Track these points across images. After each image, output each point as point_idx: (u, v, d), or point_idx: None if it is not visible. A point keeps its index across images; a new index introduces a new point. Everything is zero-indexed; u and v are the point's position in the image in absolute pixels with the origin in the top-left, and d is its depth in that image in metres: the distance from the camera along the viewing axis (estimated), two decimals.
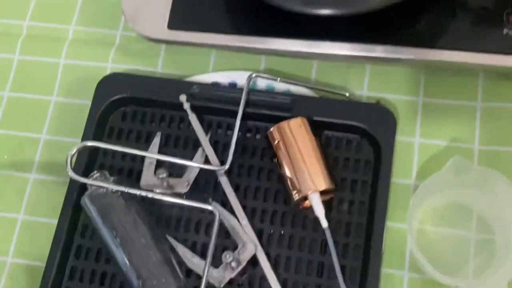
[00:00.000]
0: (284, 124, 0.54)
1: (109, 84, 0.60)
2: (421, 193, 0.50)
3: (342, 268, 0.52)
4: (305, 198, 0.53)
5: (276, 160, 0.55)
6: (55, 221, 0.55)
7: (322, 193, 0.53)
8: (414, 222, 0.53)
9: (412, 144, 0.57)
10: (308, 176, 0.53)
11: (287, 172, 0.53)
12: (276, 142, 0.54)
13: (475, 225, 0.54)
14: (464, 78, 0.59)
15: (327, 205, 0.54)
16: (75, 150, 0.54)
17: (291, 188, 0.53)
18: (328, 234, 0.52)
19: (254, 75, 0.58)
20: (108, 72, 0.63)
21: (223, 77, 0.60)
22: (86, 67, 0.64)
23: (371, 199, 0.54)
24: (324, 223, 0.52)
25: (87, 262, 0.55)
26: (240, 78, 0.60)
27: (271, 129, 0.55)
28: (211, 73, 0.61)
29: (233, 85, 0.60)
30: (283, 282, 0.53)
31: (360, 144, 0.57)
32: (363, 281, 0.51)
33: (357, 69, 0.61)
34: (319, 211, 0.52)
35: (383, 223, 0.52)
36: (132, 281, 0.51)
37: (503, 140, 0.57)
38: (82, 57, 0.65)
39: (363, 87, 0.60)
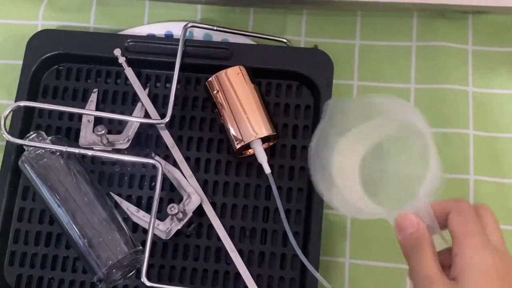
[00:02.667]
0: (221, 73, 0.54)
1: (40, 41, 0.58)
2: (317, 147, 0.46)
3: (287, 211, 0.53)
4: (248, 146, 0.53)
5: (216, 110, 0.55)
6: None
7: (264, 140, 0.54)
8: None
9: (351, 87, 0.58)
10: (249, 124, 0.53)
11: (228, 122, 0.53)
12: (215, 92, 0.54)
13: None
14: (399, 19, 0.60)
15: (270, 151, 0.55)
16: (8, 110, 0.53)
17: (233, 137, 0.53)
18: (271, 180, 0.52)
19: (189, 24, 0.57)
20: (39, 30, 0.61)
21: (158, 29, 0.59)
22: (16, 26, 0.62)
23: None
24: (267, 169, 0.53)
25: (31, 224, 0.54)
26: (176, 29, 0.58)
27: (210, 79, 0.54)
28: (146, 25, 0.59)
29: (169, 36, 0.59)
30: (229, 229, 0.53)
31: (299, 89, 0.57)
32: (307, 222, 0.52)
33: (294, 16, 0.61)
34: (262, 158, 0.53)
35: None
36: (78, 241, 0.51)
37: (438, 77, 0.58)
38: (11, 16, 0.62)
39: (301, 33, 0.60)
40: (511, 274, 0.38)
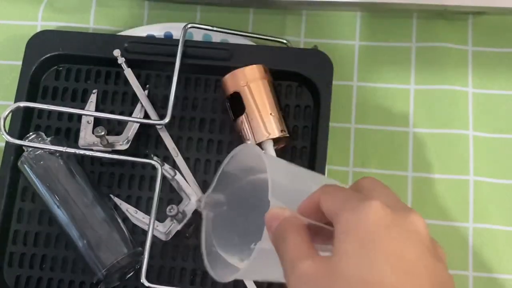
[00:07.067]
0: (251, 67, 0.53)
1: (39, 42, 0.57)
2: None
3: None
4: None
5: (229, 103, 0.54)
6: None
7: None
8: None
9: (350, 88, 0.58)
10: (262, 124, 0.52)
11: (250, 116, 0.52)
12: (231, 91, 0.53)
13: None
14: (399, 19, 0.60)
15: None
16: (8, 111, 0.53)
17: (246, 136, 0.53)
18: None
19: (189, 25, 0.57)
20: (38, 30, 0.61)
21: (158, 29, 0.59)
22: (15, 27, 0.62)
23: (312, 144, 0.55)
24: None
25: (30, 225, 0.54)
26: (175, 30, 0.58)
27: (234, 72, 0.53)
28: (145, 26, 0.59)
29: (168, 37, 0.59)
30: None
31: (299, 90, 0.57)
32: None
33: (294, 16, 0.61)
34: None
35: (323, 166, 0.53)
36: (77, 241, 0.51)
37: (438, 78, 0.58)
38: (10, 16, 0.62)
39: (300, 34, 0.60)
40: (406, 229, 0.32)
